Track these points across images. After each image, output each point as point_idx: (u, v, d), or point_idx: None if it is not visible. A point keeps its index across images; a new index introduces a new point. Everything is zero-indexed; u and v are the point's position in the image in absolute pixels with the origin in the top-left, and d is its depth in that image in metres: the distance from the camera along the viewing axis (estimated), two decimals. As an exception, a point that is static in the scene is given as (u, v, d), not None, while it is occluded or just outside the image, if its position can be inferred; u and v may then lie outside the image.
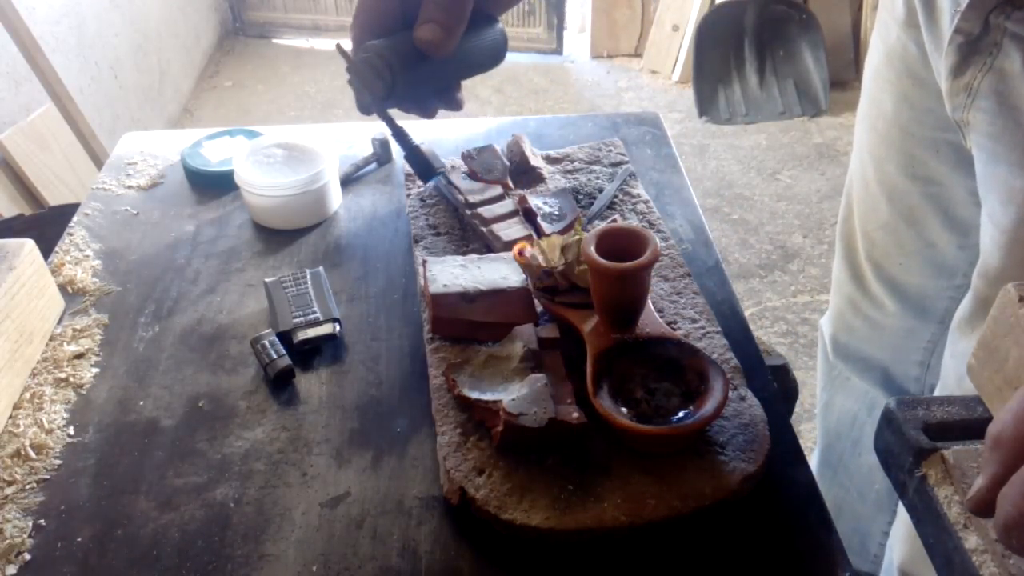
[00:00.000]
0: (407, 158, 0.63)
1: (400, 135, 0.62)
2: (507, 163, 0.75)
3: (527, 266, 0.59)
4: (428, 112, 0.62)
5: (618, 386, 0.51)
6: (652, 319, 0.55)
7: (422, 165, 0.63)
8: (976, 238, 0.67)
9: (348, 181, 0.80)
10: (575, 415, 0.49)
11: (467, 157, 0.74)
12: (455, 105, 0.63)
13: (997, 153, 0.57)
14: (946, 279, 0.79)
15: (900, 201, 0.78)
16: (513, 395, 0.50)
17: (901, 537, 0.78)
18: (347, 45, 0.59)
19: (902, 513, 0.78)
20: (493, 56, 0.62)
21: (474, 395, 0.52)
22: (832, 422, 1.00)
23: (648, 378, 0.52)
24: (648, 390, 0.51)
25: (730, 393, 0.53)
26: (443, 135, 0.88)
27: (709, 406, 0.48)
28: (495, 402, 0.50)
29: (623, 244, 0.52)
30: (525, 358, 0.54)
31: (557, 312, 0.58)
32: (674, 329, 0.58)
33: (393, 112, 0.61)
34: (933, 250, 0.78)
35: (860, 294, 0.88)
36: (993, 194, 0.59)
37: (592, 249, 0.51)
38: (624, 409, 0.50)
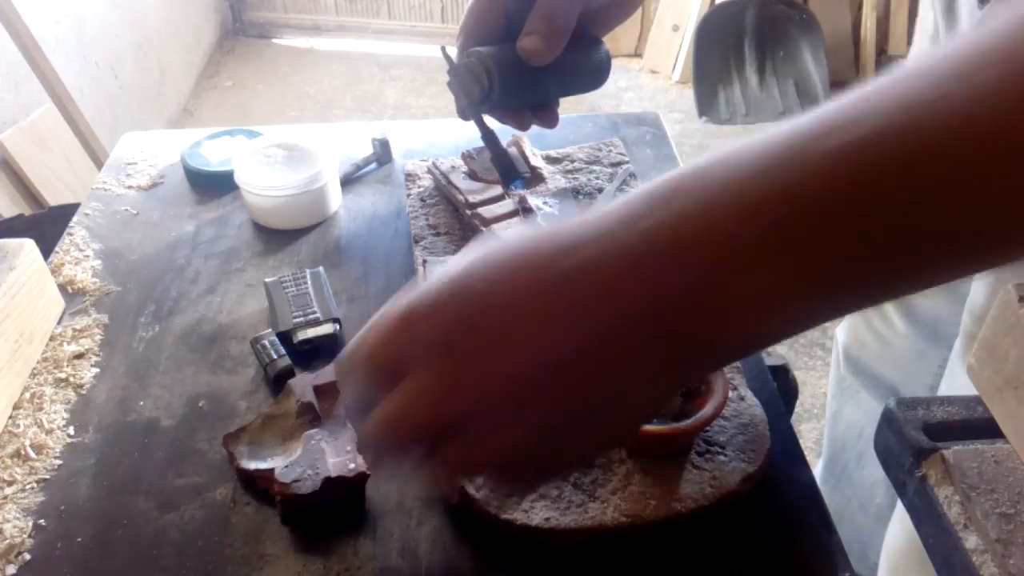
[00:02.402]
0: (493, 161, 0.64)
1: (491, 138, 0.63)
2: (507, 163, 0.75)
3: None
4: (523, 124, 0.64)
5: None
6: None
7: (507, 169, 0.64)
8: None
9: (348, 181, 0.80)
10: (351, 467, 0.49)
11: (467, 157, 0.74)
12: (551, 121, 0.64)
13: None
14: (959, 305, 0.79)
15: None
16: (288, 460, 0.49)
17: (887, 551, 0.78)
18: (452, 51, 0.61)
19: (887, 543, 0.77)
20: (595, 77, 0.64)
21: (252, 465, 0.50)
22: (839, 432, 0.99)
23: None
24: None
25: (730, 393, 0.53)
26: (444, 135, 0.88)
27: (708, 407, 0.48)
28: (271, 470, 0.49)
29: None
30: (301, 413, 0.53)
31: None
32: None
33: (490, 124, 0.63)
34: None
35: (873, 310, 0.87)
36: None
37: None
38: None
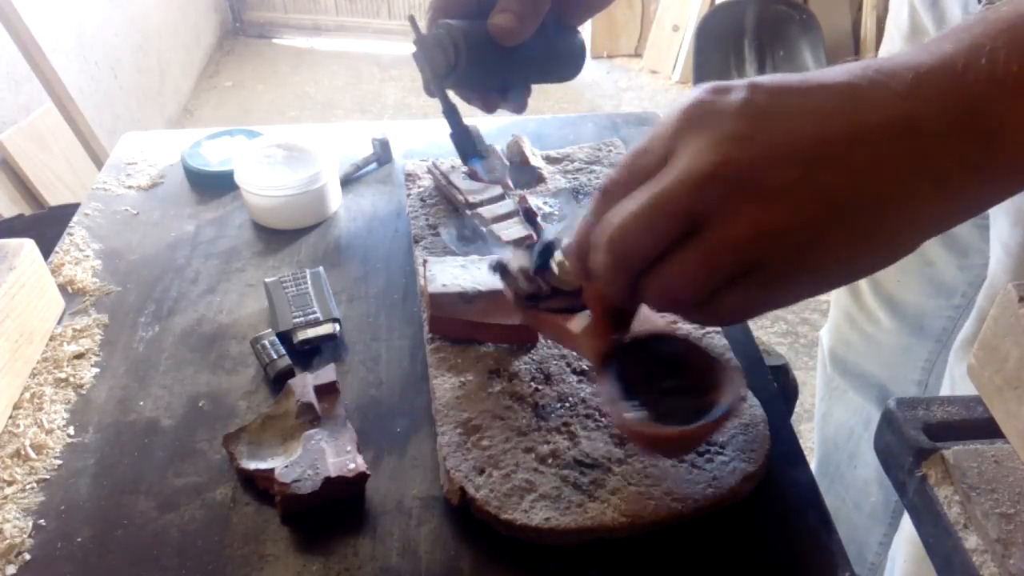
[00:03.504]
0: (452, 136, 0.63)
1: (451, 113, 0.63)
2: (507, 163, 0.75)
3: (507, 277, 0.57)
4: (489, 106, 0.63)
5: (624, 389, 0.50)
6: (645, 314, 0.53)
7: (465, 145, 0.64)
8: (975, 259, 0.66)
9: (348, 181, 0.80)
10: (351, 467, 0.49)
11: (467, 157, 0.74)
12: (518, 107, 0.64)
13: None
14: (944, 298, 0.78)
15: None
16: (288, 460, 0.49)
17: (909, 542, 0.78)
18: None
19: (904, 528, 0.77)
20: (568, 66, 0.63)
21: (252, 465, 0.51)
22: (829, 433, 0.99)
23: (653, 377, 0.51)
24: (658, 391, 0.50)
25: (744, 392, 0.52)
26: (444, 135, 0.87)
27: (728, 397, 0.46)
28: (271, 470, 0.49)
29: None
30: (301, 413, 0.53)
31: (544, 321, 0.55)
32: (675, 329, 0.57)
33: (454, 100, 0.62)
34: (932, 268, 0.77)
35: (857, 308, 0.87)
36: (1003, 214, 0.58)
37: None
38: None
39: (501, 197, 0.71)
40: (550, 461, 0.50)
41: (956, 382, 0.67)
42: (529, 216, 0.69)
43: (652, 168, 0.37)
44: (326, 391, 0.54)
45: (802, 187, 0.33)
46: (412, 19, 0.61)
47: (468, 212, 0.70)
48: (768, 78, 0.36)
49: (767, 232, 0.34)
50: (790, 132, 0.34)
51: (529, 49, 0.58)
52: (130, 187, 0.81)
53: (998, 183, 0.34)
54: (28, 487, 0.52)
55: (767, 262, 0.35)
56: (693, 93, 0.37)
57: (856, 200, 0.34)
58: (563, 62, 0.63)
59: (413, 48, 0.60)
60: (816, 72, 0.36)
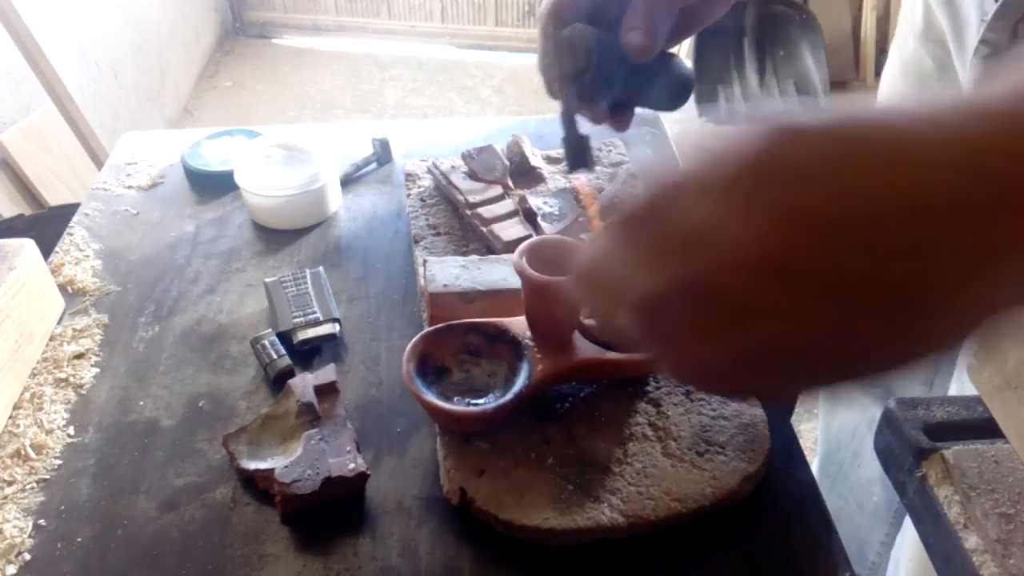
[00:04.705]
0: (565, 141, 0.61)
1: (571, 117, 0.61)
2: (507, 163, 0.75)
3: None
4: (597, 117, 0.62)
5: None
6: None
7: (580, 154, 0.62)
8: None
9: (348, 181, 0.80)
10: (351, 467, 0.49)
11: (467, 157, 0.74)
12: (625, 124, 0.63)
13: None
14: None
15: None
16: (288, 460, 0.49)
17: (907, 557, 0.77)
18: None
19: (908, 530, 0.77)
20: (679, 91, 0.61)
21: (251, 465, 0.51)
22: (833, 432, 0.99)
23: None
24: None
25: None
26: (444, 135, 0.88)
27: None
28: (271, 470, 0.49)
29: (554, 256, 0.51)
30: (301, 413, 0.53)
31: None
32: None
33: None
34: None
35: None
36: None
37: (524, 260, 0.50)
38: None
39: (501, 197, 0.71)
40: (550, 461, 0.50)
41: (964, 386, 0.67)
42: (529, 216, 0.69)
43: (687, 220, 0.28)
44: (326, 391, 0.54)
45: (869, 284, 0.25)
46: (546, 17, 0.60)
47: (468, 212, 0.70)
48: (851, 130, 0.26)
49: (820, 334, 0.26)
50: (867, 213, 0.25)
51: (650, 70, 0.58)
52: (130, 187, 0.81)
53: None
54: (28, 487, 0.52)
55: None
56: (758, 140, 0.27)
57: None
58: (675, 88, 0.62)
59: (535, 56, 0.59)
60: (902, 124, 0.25)
